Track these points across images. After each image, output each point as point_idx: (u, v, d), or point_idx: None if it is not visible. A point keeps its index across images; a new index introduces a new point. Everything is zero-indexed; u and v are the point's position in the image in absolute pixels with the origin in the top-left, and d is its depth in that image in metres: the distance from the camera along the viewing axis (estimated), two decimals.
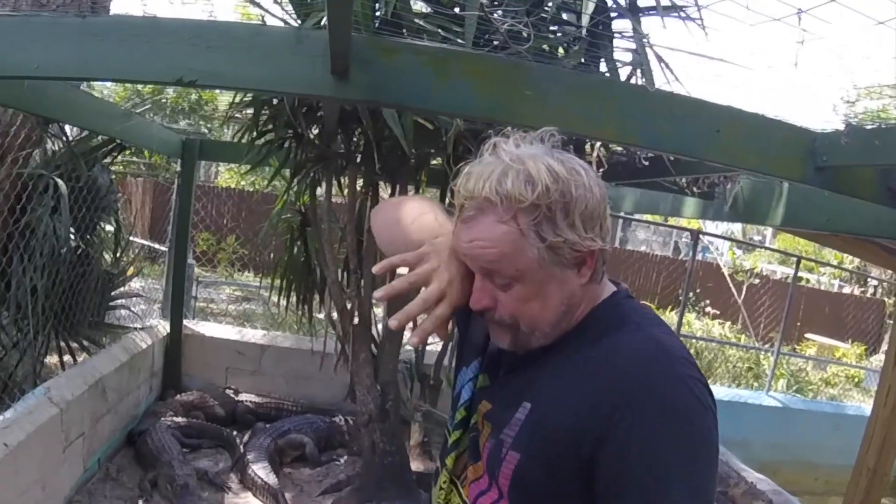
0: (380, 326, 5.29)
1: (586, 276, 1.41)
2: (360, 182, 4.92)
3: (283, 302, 5.88)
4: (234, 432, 6.00)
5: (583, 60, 3.17)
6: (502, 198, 1.32)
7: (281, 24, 3.37)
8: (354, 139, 4.46)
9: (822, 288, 24.17)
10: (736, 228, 20.87)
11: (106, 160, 6.00)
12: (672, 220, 14.12)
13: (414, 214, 1.80)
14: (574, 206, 1.34)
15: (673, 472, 1.23)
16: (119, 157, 6.50)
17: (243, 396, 6.56)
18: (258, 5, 3.45)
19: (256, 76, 2.56)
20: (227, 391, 6.64)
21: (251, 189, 17.71)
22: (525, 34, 2.67)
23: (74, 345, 5.78)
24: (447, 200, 4.79)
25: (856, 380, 14.69)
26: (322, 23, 2.63)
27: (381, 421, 4.77)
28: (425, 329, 1.48)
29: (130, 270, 6.85)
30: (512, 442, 1.40)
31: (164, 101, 15.98)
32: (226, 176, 20.43)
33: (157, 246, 9.34)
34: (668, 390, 1.28)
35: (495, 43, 2.86)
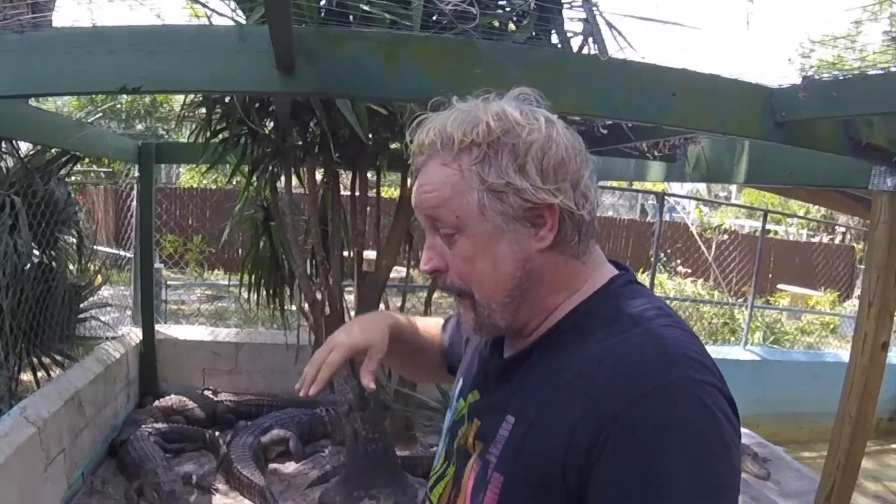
0: (352, 314, 5.26)
1: (547, 240, 1.22)
2: (320, 172, 4.87)
3: (255, 297, 5.84)
4: (217, 433, 5.98)
5: (533, 33, 3.14)
6: (444, 140, 1.22)
7: (227, 21, 3.32)
8: (310, 130, 4.41)
9: (791, 238, 24.46)
10: (701, 187, 21.02)
11: (62, 172, 5.91)
12: (637, 184, 14.18)
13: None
14: (526, 149, 1.19)
15: (672, 495, 1.00)
16: (76, 168, 6.40)
17: (222, 396, 6.54)
18: (202, 4, 3.39)
19: (202, 78, 2.52)
20: (206, 392, 6.60)
21: (214, 187, 17.57)
22: (473, 13, 2.64)
23: (47, 360, 5.70)
24: (409, 183, 4.77)
25: (831, 326, 14.86)
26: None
27: (362, 409, 4.76)
28: (321, 378, 1.47)
29: (97, 280, 6.76)
30: (496, 462, 1.24)
31: (118, 106, 15.81)
32: (187, 176, 20.27)
33: (122, 253, 9.24)
34: (666, 402, 1.05)
35: (444, 23, 2.82)
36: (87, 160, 7.09)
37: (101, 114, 8.95)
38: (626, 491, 1.02)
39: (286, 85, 2.50)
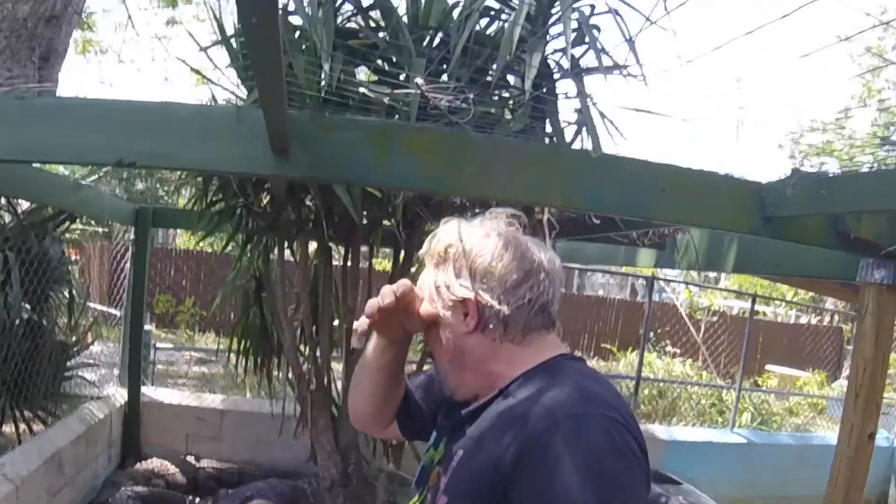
0: (340, 386, 5.25)
1: (471, 325, 1.56)
2: (313, 246, 4.90)
3: (242, 365, 5.82)
4: (197, 499, 5.89)
5: (528, 122, 3.19)
6: (428, 253, 1.66)
7: (229, 95, 3.37)
8: (305, 206, 4.45)
9: (780, 320, 24.48)
10: (698, 271, 21.06)
11: (58, 231, 5.94)
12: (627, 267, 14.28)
13: (358, 367, 1.94)
14: (463, 258, 1.57)
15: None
16: (74, 224, 6.43)
17: (205, 462, 6.46)
18: (204, 76, 3.45)
19: (197, 157, 2.56)
20: (188, 458, 6.52)
21: (210, 250, 17.62)
22: (468, 105, 2.68)
23: (30, 415, 5.65)
24: (399, 261, 4.80)
25: (819, 407, 14.81)
26: None
27: (344, 486, 4.73)
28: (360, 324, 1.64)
29: (88, 337, 6.73)
30: (444, 487, 1.51)
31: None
32: (184, 237, 20.33)
33: (113, 311, 9.21)
34: (577, 426, 1.32)
35: (444, 106, 2.87)
36: (86, 217, 7.12)
37: (102, 173, 9.03)
38: (535, 495, 1.29)
39: (280, 168, 2.53)
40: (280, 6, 3.14)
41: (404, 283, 1.62)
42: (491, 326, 1.55)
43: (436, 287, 1.61)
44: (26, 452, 4.63)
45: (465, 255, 1.57)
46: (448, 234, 1.63)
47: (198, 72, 3.55)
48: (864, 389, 3.75)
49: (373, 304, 1.60)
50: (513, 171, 2.73)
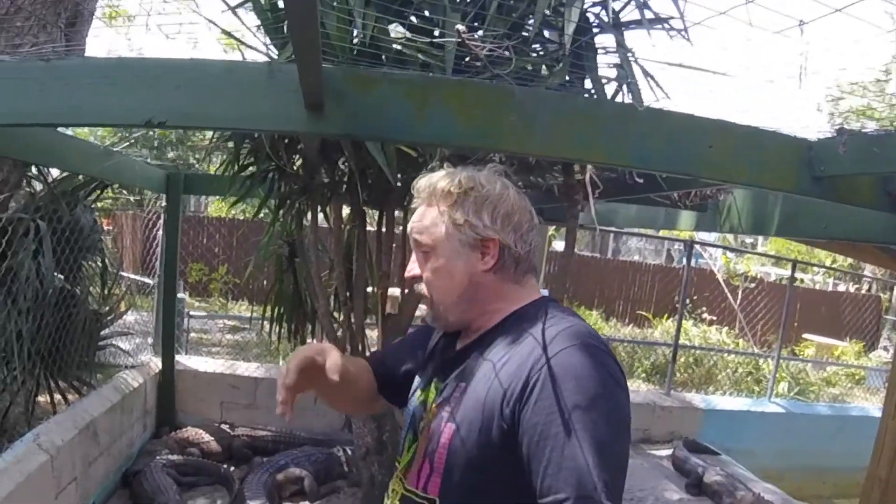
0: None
1: (489, 264, 1.75)
2: (347, 210, 4.83)
3: (276, 332, 5.79)
4: (232, 468, 5.89)
5: (567, 78, 3.08)
6: (431, 189, 1.78)
7: (260, 55, 3.28)
8: (338, 169, 4.37)
9: (818, 287, 24.20)
10: (728, 234, 20.83)
11: (89, 199, 5.91)
12: (664, 231, 14.08)
13: None
14: (482, 200, 1.74)
15: (579, 422, 1.44)
16: (105, 193, 6.40)
17: (239, 431, 6.46)
18: (233, 37, 3.36)
19: (228, 115, 2.48)
20: (223, 426, 6.53)
21: (242, 217, 17.64)
22: (512, 56, 2.58)
23: (65, 386, 5.66)
24: None
25: (857, 377, 14.63)
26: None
27: (379, 453, 4.68)
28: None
29: (122, 306, 6.74)
30: (448, 416, 1.67)
31: (150, 134, 15.96)
32: (216, 205, 20.37)
33: (146, 280, 9.23)
34: (575, 358, 1.52)
35: (478, 64, 2.77)
36: (117, 186, 7.10)
37: (133, 141, 8.99)
38: (546, 411, 1.47)
39: (314, 126, 2.45)
40: None
41: (301, 356, 1.67)
42: (504, 266, 1.77)
43: (455, 224, 1.74)
44: (61, 422, 4.63)
45: (489, 199, 1.75)
46: (467, 177, 1.78)
47: (227, 33, 3.46)
48: None
49: (279, 385, 1.66)
50: (555, 126, 2.62)
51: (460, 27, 2.45)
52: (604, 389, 1.50)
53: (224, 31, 3.49)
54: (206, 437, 6.22)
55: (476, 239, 1.73)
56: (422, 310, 1.98)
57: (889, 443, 3.73)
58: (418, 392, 1.89)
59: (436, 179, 1.79)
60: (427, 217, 1.78)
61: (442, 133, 2.54)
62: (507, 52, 2.52)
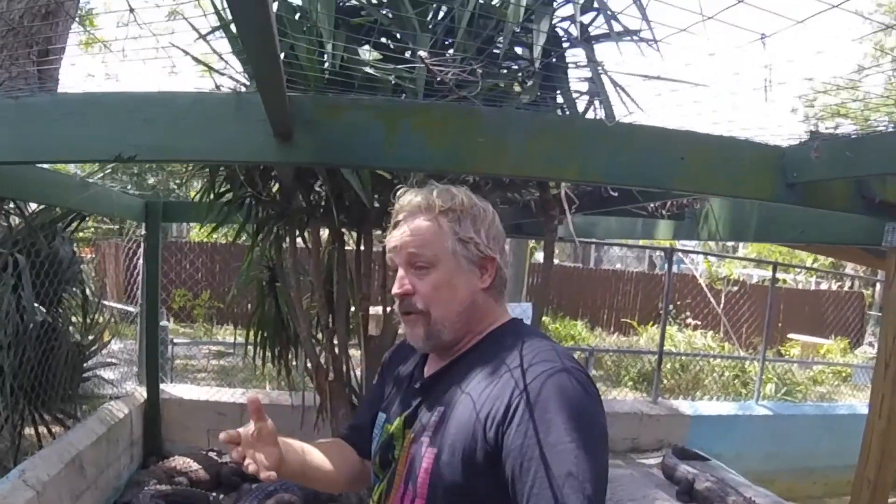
0: (358, 377, 5.18)
1: (487, 282, 1.77)
2: (325, 233, 4.83)
3: (260, 357, 5.77)
4: (221, 496, 5.85)
5: (539, 94, 3.09)
6: (429, 203, 1.74)
7: (233, 83, 3.28)
8: (314, 193, 4.37)
9: (800, 287, 24.32)
10: (719, 241, 20.90)
11: (67, 230, 5.88)
12: None
13: None
14: (480, 220, 1.77)
15: (565, 442, 1.46)
16: (86, 223, 6.38)
17: (227, 458, 6.40)
18: (205, 65, 3.36)
19: (198, 147, 2.47)
20: (211, 454, 6.48)
21: (223, 242, 17.58)
22: (475, 77, 2.59)
23: (50, 418, 5.62)
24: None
25: (843, 375, 14.70)
26: None
27: None
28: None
29: (105, 335, 6.69)
30: (429, 441, 1.64)
31: None
32: (198, 231, 20.28)
33: (129, 308, 9.18)
34: (555, 380, 1.53)
35: (449, 80, 2.77)
36: (97, 216, 7.07)
37: (110, 168, 8.95)
38: (530, 434, 1.48)
39: (284, 155, 2.45)
40: None
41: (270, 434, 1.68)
42: (495, 286, 1.80)
43: (461, 240, 1.73)
44: (46, 457, 4.60)
45: (486, 218, 1.78)
46: (465, 194, 1.78)
47: (198, 60, 3.45)
48: (894, 358, 3.66)
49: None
50: (526, 145, 2.63)
51: (422, 53, 2.45)
52: (582, 409, 1.52)
53: (195, 59, 3.47)
54: (194, 465, 6.17)
55: (479, 257, 1.75)
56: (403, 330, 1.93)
57: (876, 443, 3.73)
58: (386, 424, 1.86)
59: (431, 194, 1.76)
60: (427, 231, 1.73)
61: (412, 157, 2.55)
62: (471, 76, 2.53)
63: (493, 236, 1.78)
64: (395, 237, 1.79)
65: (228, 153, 2.54)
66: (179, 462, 6.17)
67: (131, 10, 2.35)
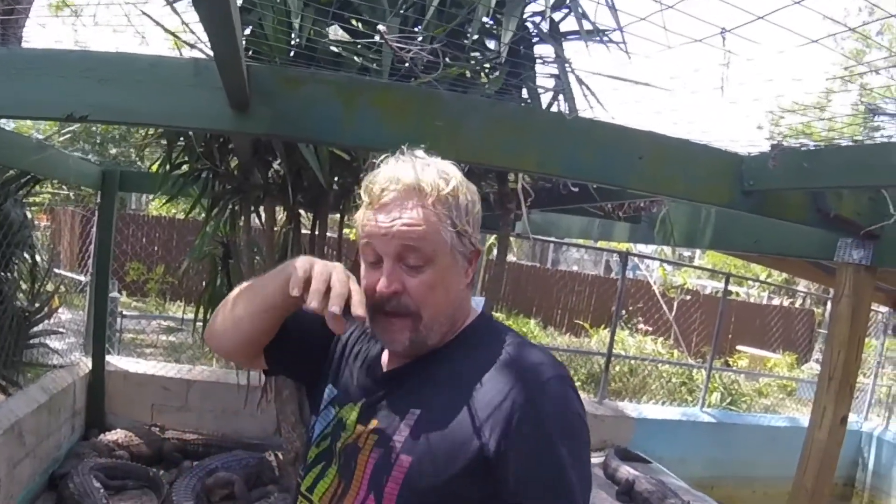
0: None
1: (470, 277, 1.59)
2: (282, 212, 4.79)
3: None
4: (161, 472, 5.80)
5: (504, 87, 3.09)
6: (424, 185, 1.47)
7: (201, 54, 3.24)
8: (272, 171, 4.33)
9: (752, 300, 24.62)
10: (666, 247, 21.09)
11: (20, 193, 5.77)
12: (602, 241, 14.25)
13: (237, 292, 1.79)
14: (471, 207, 1.54)
15: (563, 470, 1.39)
16: (41, 188, 6.27)
17: (170, 434, 6.35)
18: (170, 32, 3.31)
19: (153, 110, 2.44)
20: (153, 429, 6.42)
21: (182, 217, 17.42)
22: (441, 61, 2.58)
23: None
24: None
25: (788, 389, 14.91)
26: None
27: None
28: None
29: (55, 302, 6.59)
30: (401, 447, 1.46)
31: (93, 128, 15.68)
32: (156, 203, 20.07)
33: (81, 278, 9.07)
34: (559, 390, 1.45)
35: (410, 59, 2.76)
36: (56, 181, 6.96)
37: (70, 134, 8.81)
38: (534, 445, 1.39)
39: (240, 125, 2.43)
40: None
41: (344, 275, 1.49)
42: (472, 281, 1.63)
43: (458, 233, 1.51)
44: None
45: (474, 204, 1.56)
46: (455, 173, 1.55)
47: (161, 26, 3.40)
48: (838, 372, 3.72)
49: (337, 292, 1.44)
50: (486, 133, 2.63)
51: (382, 28, 2.44)
52: (581, 421, 1.47)
53: (157, 24, 3.42)
54: (136, 439, 6.11)
55: (471, 252, 1.56)
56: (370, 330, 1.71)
57: (815, 453, 3.79)
58: (336, 405, 1.67)
59: (422, 171, 1.50)
60: (425, 222, 1.47)
61: (369, 136, 2.54)
62: (433, 56, 2.52)
63: (476, 222, 1.57)
64: (382, 223, 1.48)
65: (183, 119, 2.51)
66: (121, 435, 6.11)
67: None
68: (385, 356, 1.66)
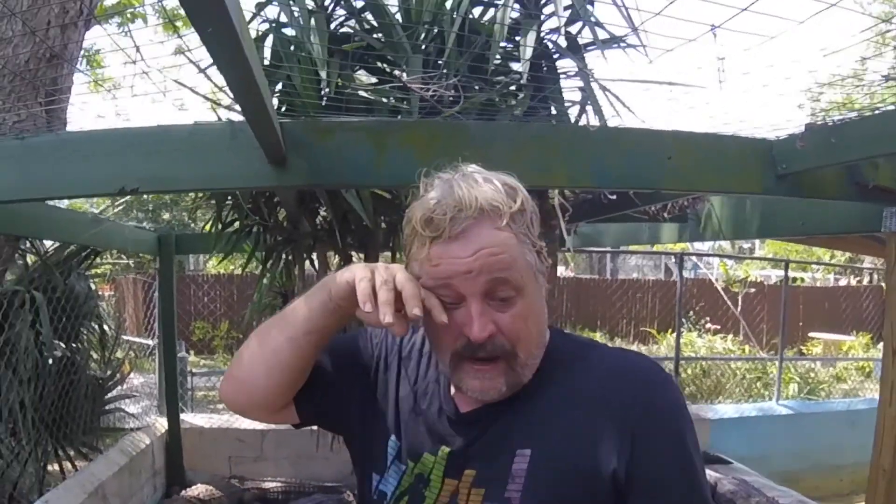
0: None
1: (545, 296, 1.38)
2: (334, 256, 4.89)
3: None
4: None
5: (531, 106, 3.16)
6: (497, 204, 1.25)
7: (236, 115, 3.37)
8: (319, 217, 4.43)
9: (818, 284, 24.16)
10: (725, 241, 20.85)
11: (82, 267, 5.97)
12: (658, 245, 14.17)
13: (262, 328, 1.52)
14: (536, 219, 1.34)
15: (696, 465, 1.28)
16: (101, 260, 6.48)
17: (249, 484, 6.47)
18: (208, 98, 3.44)
19: (195, 176, 2.54)
20: (232, 481, 6.54)
21: (239, 272, 17.74)
22: (466, 93, 2.66)
23: (73, 452, 5.69)
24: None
25: (866, 370, 14.58)
26: None
27: None
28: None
29: (126, 368, 6.77)
30: (521, 496, 1.27)
31: (145, 197, 16.09)
32: (213, 262, 20.47)
33: (148, 342, 9.29)
34: (670, 395, 1.33)
35: (449, 99, 2.83)
36: (115, 252, 7.18)
37: (123, 206, 9.06)
38: (664, 455, 1.27)
39: (279, 179, 2.51)
40: (271, 20, 3.15)
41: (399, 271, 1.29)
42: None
43: (538, 253, 1.32)
44: (70, 488, 4.64)
45: (536, 217, 1.35)
46: (514, 183, 1.34)
47: (195, 92, 3.54)
48: None
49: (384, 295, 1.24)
50: (513, 155, 2.67)
51: (400, 73, 2.53)
52: (690, 420, 1.33)
53: (194, 93, 3.56)
54: (217, 492, 6.23)
55: (548, 266, 1.36)
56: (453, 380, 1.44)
57: (889, 431, 3.72)
58: (403, 462, 1.44)
59: (487, 190, 1.28)
60: (507, 245, 1.25)
61: (402, 174, 2.58)
62: (454, 92, 2.60)
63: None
64: (462, 258, 1.24)
65: (226, 180, 2.60)
66: (202, 490, 6.23)
67: (137, 49, 2.44)
68: (452, 390, 1.43)
